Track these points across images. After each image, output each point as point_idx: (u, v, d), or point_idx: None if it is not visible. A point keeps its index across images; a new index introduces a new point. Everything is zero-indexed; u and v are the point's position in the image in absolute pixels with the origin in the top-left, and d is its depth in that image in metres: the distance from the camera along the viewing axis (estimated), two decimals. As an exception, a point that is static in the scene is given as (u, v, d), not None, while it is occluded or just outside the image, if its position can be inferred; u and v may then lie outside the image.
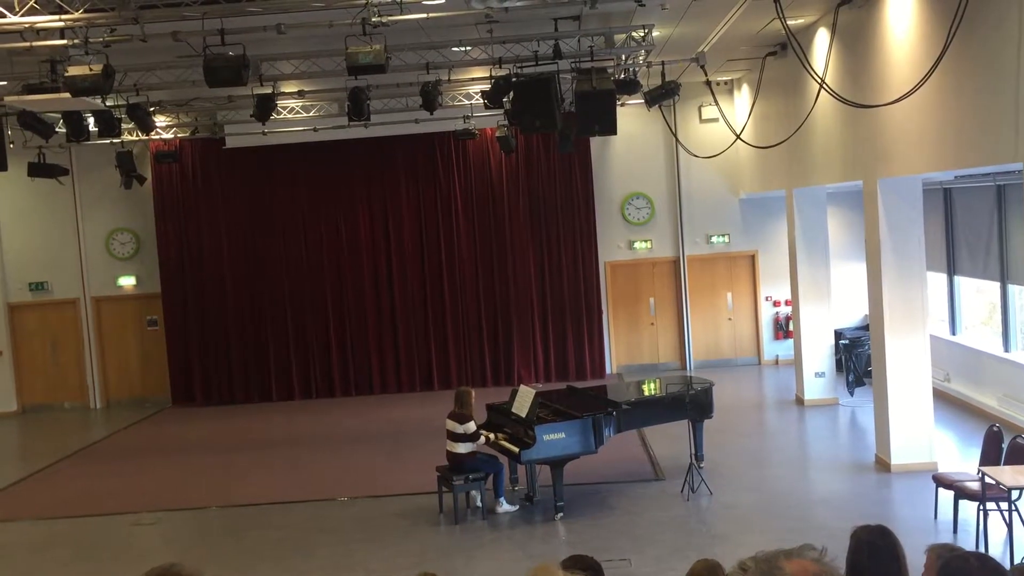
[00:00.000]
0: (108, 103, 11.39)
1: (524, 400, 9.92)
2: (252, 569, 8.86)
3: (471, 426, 9.80)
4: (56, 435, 16.06)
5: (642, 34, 11.17)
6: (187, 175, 17.63)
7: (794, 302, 14.41)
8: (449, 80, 12.44)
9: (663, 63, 12.00)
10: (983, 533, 8.01)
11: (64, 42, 8.63)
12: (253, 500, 11.23)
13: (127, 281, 18.18)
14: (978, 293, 13.68)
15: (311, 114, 15.58)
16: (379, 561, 8.90)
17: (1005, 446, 8.35)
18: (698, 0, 10.10)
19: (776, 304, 17.65)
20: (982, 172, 11.09)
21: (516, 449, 9.60)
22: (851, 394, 14.23)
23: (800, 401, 14.21)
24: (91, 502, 11.68)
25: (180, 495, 11.71)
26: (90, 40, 8.50)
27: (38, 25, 8.13)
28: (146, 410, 17.47)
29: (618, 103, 12.06)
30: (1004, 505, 7.94)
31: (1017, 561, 7.54)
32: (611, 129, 10.71)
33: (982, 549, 7.72)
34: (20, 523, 11.09)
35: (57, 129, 12.78)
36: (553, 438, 9.46)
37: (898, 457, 10.41)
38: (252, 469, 12.83)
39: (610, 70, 11.55)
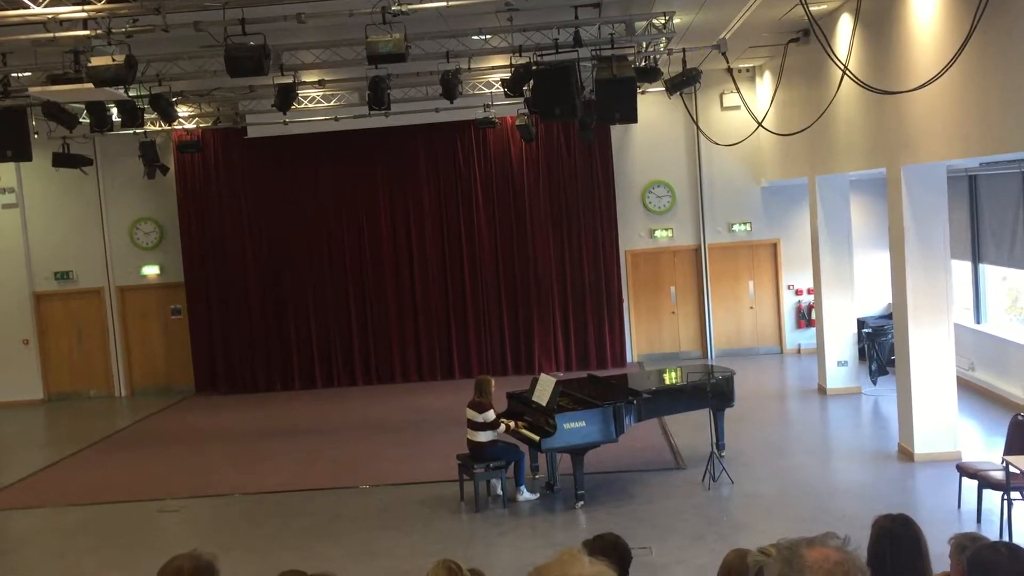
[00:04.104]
0: (131, 93, 11.45)
1: (545, 388, 9.93)
2: (275, 556, 8.93)
3: (490, 415, 9.82)
4: (81, 423, 16.24)
5: (663, 21, 11.10)
6: (209, 165, 17.73)
7: (816, 291, 14.32)
8: (469, 69, 12.41)
9: (684, 50, 11.93)
10: (1007, 522, 7.95)
11: (87, 33, 8.68)
12: (276, 488, 11.32)
13: (151, 270, 18.33)
14: (1004, 280, 13.54)
15: (332, 103, 15.60)
16: (401, 548, 8.95)
17: (1030, 435, 8.28)
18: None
19: (798, 293, 17.56)
20: (1007, 159, 10.97)
21: (537, 437, 9.62)
22: (874, 383, 14.14)
23: (822, 390, 14.14)
24: (116, 489, 11.81)
25: (204, 482, 11.82)
26: (113, 31, 8.54)
27: (61, 16, 8.17)
28: (170, 398, 17.63)
29: (638, 91, 11.98)
30: (1029, 495, 7.88)
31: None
32: (631, 117, 10.66)
33: (1006, 539, 7.67)
34: (46, 510, 11.23)
35: (81, 119, 12.87)
36: (574, 426, 9.47)
37: (921, 446, 10.34)
38: (275, 457, 12.92)
39: (630, 57, 11.49)
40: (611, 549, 4.28)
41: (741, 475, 10.30)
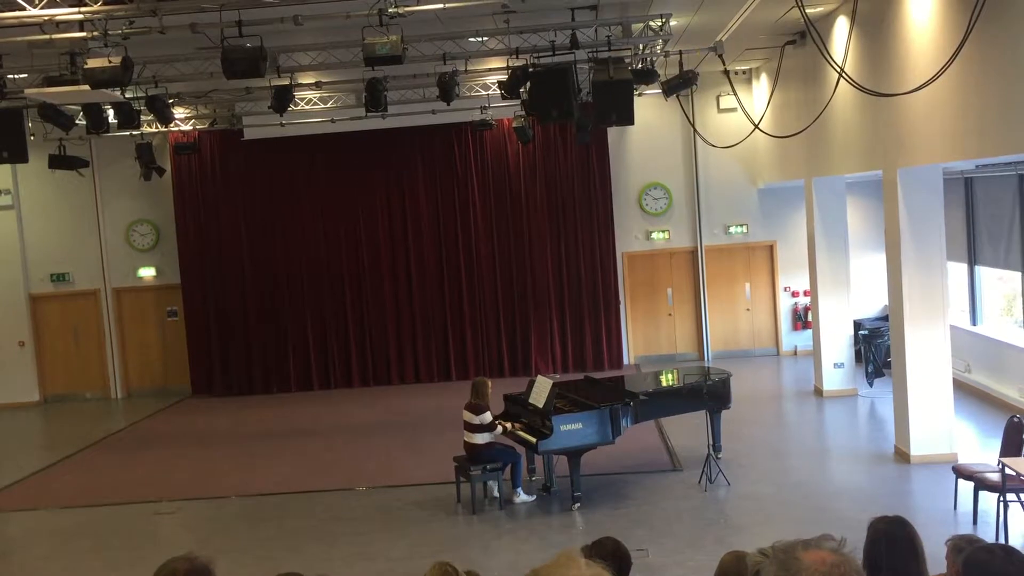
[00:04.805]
0: (127, 95, 11.44)
1: (541, 390, 9.93)
2: (272, 558, 8.92)
3: (487, 416, 9.82)
4: (77, 425, 16.21)
5: (660, 23, 11.11)
6: (206, 167, 17.73)
7: (813, 292, 14.33)
8: (466, 71, 12.42)
9: (681, 52, 11.94)
10: (1003, 524, 7.97)
11: (83, 34, 8.68)
12: (273, 490, 11.30)
13: (147, 272, 18.31)
14: (999, 281, 13.57)
15: (328, 105, 15.59)
16: (398, 550, 8.95)
17: (1026, 437, 8.29)
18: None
19: (795, 294, 17.58)
20: (1004, 161, 10.99)
21: (533, 439, 9.62)
22: (870, 385, 14.15)
23: (819, 392, 14.15)
24: (112, 491, 11.79)
25: (200, 484, 11.80)
26: (109, 32, 8.53)
27: (58, 18, 8.17)
28: (166, 400, 17.60)
29: (635, 93, 12.00)
30: (1025, 496, 7.89)
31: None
32: (628, 119, 10.67)
33: (1002, 540, 7.68)
34: (42, 512, 11.21)
35: (77, 121, 12.84)
36: (570, 428, 9.46)
37: (918, 448, 10.35)
38: (271, 459, 12.91)
39: (627, 60, 11.50)
40: (611, 555, 4.28)
41: (737, 477, 10.30)
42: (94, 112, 11.66)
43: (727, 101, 16.76)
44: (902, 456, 10.58)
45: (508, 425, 10.11)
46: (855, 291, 14.73)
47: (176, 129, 16.37)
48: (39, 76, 10.25)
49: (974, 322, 13.85)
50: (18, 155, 10.98)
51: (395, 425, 14.34)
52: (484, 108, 15.77)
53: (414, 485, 10.98)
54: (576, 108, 10.49)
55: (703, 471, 10.20)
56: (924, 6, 9.00)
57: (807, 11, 8.73)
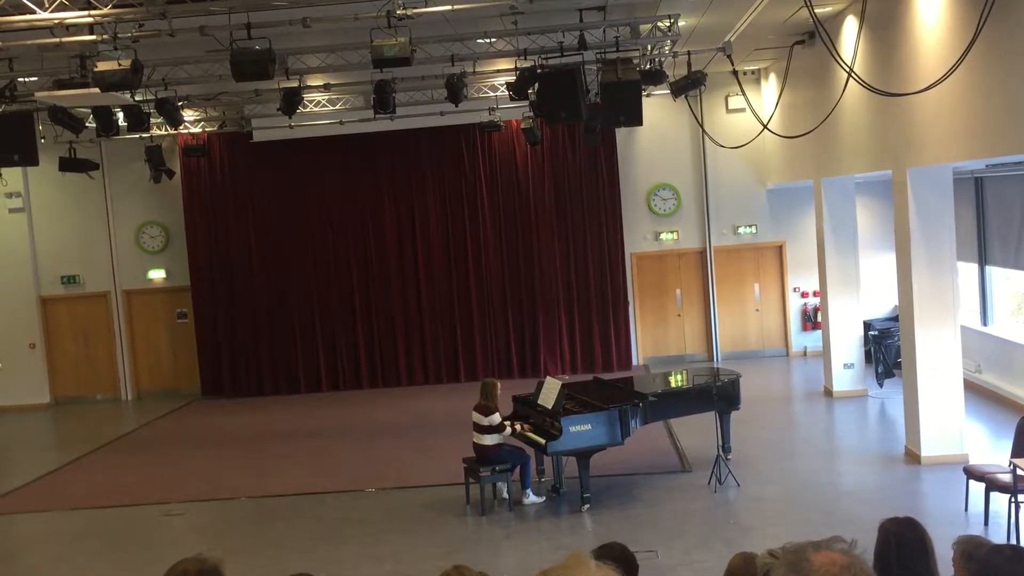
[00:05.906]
0: (137, 98, 11.49)
1: (550, 392, 9.92)
2: (282, 559, 8.93)
3: (496, 418, 9.82)
4: (88, 427, 16.27)
5: (668, 24, 11.11)
6: (215, 169, 17.77)
7: (822, 293, 14.30)
8: (474, 72, 12.43)
9: (689, 53, 11.93)
10: (1015, 525, 7.93)
11: (93, 38, 8.72)
12: (282, 491, 11.32)
13: (157, 274, 18.37)
14: (1007, 281, 13.51)
15: (337, 107, 15.63)
16: (407, 552, 8.95)
17: (1037, 438, 8.24)
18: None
19: (804, 295, 17.53)
20: (1014, 160, 10.93)
21: (542, 440, 9.61)
22: (880, 386, 14.11)
23: (828, 393, 14.11)
24: (122, 493, 11.83)
25: (210, 486, 11.83)
26: (118, 36, 8.58)
27: (67, 21, 8.21)
28: (176, 402, 17.65)
29: (644, 94, 12.00)
30: (1036, 497, 7.84)
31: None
32: (637, 120, 10.66)
33: (1013, 541, 7.64)
34: (52, 513, 11.25)
35: (87, 124, 12.91)
36: (579, 430, 9.46)
37: (928, 449, 10.31)
38: (281, 460, 12.93)
39: (636, 60, 11.50)
40: (619, 559, 4.26)
41: (747, 478, 10.28)
42: (104, 115, 11.72)
43: (736, 101, 16.73)
44: (912, 457, 10.54)
45: (517, 426, 10.10)
46: (865, 291, 14.68)
47: (185, 131, 16.43)
48: (49, 79, 10.31)
49: (985, 322, 13.79)
50: (29, 158, 11.04)
51: (404, 426, 14.35)
52: (492, 109, 15.78)
53: (423, 486, 10.99)
54: (584, 109, 10.49)
55: (712, 472, 10.18)
56: (933, 6, 8.97)
57: (816, 11, 8.71)
